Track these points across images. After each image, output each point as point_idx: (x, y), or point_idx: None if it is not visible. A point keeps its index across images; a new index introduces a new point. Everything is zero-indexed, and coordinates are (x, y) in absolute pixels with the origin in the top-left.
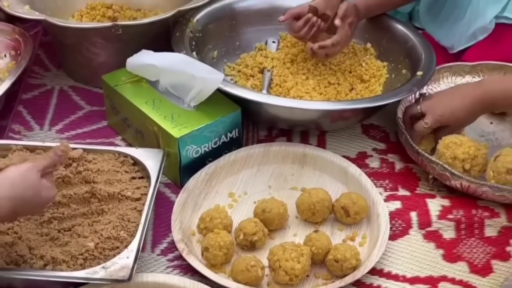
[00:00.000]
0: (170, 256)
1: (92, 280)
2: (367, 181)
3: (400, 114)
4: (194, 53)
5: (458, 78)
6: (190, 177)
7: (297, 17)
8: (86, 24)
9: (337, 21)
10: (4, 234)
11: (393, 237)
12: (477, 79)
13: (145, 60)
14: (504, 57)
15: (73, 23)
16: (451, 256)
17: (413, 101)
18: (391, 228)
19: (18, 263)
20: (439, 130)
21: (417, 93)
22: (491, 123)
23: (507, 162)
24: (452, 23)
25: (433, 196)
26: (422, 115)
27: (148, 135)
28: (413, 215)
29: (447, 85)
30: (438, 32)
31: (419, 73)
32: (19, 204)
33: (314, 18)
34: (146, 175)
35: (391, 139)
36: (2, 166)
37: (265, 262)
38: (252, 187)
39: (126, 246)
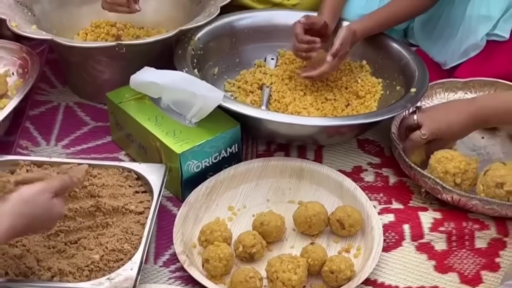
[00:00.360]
0: (172, 267)
1: None
2: (361, 195)
3: (394, 129)
4: (195, 70)
5: (451, 94)
6: (191, 191)
7: (309, 27)
8: (91, 44)
9: (328, 58)
10: (13, 247)
11: (386, 248)
12: (469, 95)
13: (147, 78)
14: (495, 73)
15: (78, 43)
16: (442, 267)
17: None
18: (384, 240)
19: (27, 274)
20: (432, 143)
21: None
22: (483, 137)
23: (496, 176)
24: (445, 40)
25: (425, 209)
26: (418, 126)
27: (151, 150)
28: (406, 227)
29: (440, 101)
30: (431, 49)
31: (413, 89)
32: (31, 220)
33: (318, 45)
34: (149, 189)
35: (386, 153)
36: (18, 178)
37: (263, 274)
38: (251, 200)
39: (130, 258)
